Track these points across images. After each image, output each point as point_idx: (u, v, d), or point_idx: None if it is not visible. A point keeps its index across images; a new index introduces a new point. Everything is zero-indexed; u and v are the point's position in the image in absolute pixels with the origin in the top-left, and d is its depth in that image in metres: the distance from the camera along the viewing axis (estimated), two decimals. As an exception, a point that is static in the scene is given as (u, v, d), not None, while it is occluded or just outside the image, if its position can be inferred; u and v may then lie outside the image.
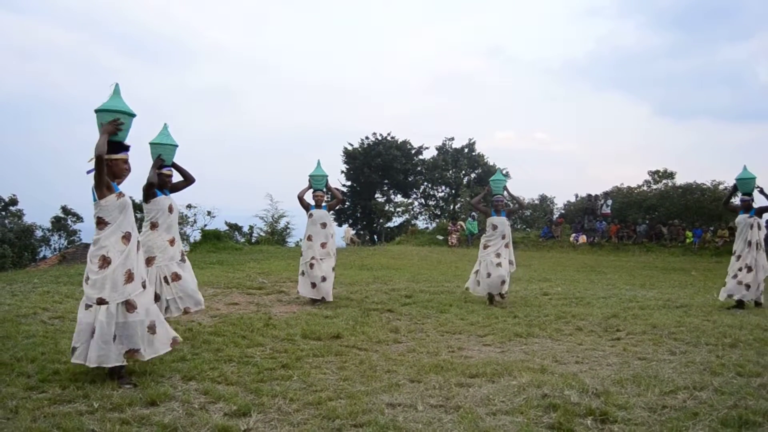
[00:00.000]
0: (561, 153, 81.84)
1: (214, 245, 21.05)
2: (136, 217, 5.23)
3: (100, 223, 4.91)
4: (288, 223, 32.62)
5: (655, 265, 19.00)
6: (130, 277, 4.91)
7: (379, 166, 41.08)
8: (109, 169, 4.91)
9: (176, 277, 6.65)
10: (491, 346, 6.68)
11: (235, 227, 35.01)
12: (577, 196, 35.52)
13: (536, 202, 42.28)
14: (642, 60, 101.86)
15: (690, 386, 4.88)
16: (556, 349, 6.47)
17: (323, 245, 9.78)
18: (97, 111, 5.01)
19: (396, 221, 43.10)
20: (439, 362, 5.70)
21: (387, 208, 42.46)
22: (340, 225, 40.98)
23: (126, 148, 5.11)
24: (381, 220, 41.97)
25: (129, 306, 4.87)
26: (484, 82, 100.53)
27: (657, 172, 33.27)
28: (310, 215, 9.89)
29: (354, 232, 37.33)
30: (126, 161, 5.10)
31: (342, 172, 42.56)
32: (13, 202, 35.43)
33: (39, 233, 34.74)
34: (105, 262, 4.83)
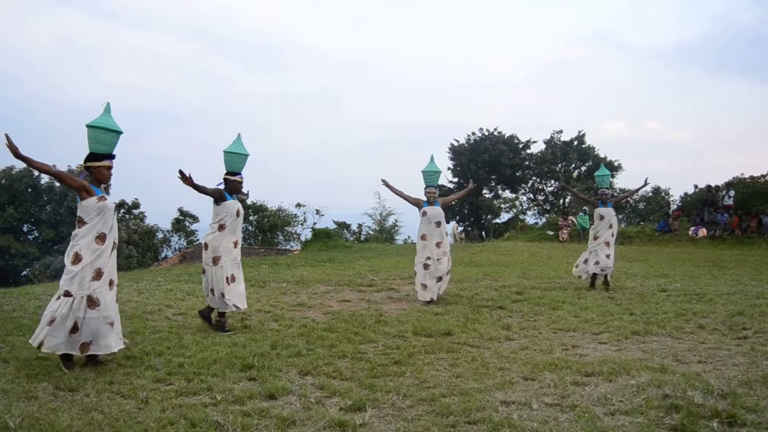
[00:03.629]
0: (675, 142, 78.39)
1: (325, 243, 21.55)
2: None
3: (79, 221, 5.33)
4: (396, 220, 33.00)
5: (785, 259, 17.81)
6: (98, 275, 5.25)
7: (486, 162, 40.67)
8: (94, 175, 5.42)
9: (233, 278, 7.07)
10: (607, 344, 6.49)
11: (343, 225, 35.71)
12: (695, 187, 33.78)
13: (649, 194, 40.60)
14: (760, 38, 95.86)
15: (828, 388, 4.56)
16: (677, 348, 6.20)
17: (438, 245, 9.43)
18: (88, 126, 5.38)
19: (504, 217, 42.64)
20: (553, 360, 5.60)
21: (494, 203, 42.03)
22: (447, 222, 40.89)
23: (111, 157, 5.49)
24: (489, 216, 41.59)
25: (90, 302, 5.19)
26: (589, 70, 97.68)
27: (785, 159, 31.08)
28: (424, 213, 9.49)
29: (462, 228, 37.15)
30: (109, 168, 5.50)
31: (449, 168, 42.50)
32: (136, 205, 37.44)
33: (160, 235, 36.60)
34: (77, 258, 5.22)
